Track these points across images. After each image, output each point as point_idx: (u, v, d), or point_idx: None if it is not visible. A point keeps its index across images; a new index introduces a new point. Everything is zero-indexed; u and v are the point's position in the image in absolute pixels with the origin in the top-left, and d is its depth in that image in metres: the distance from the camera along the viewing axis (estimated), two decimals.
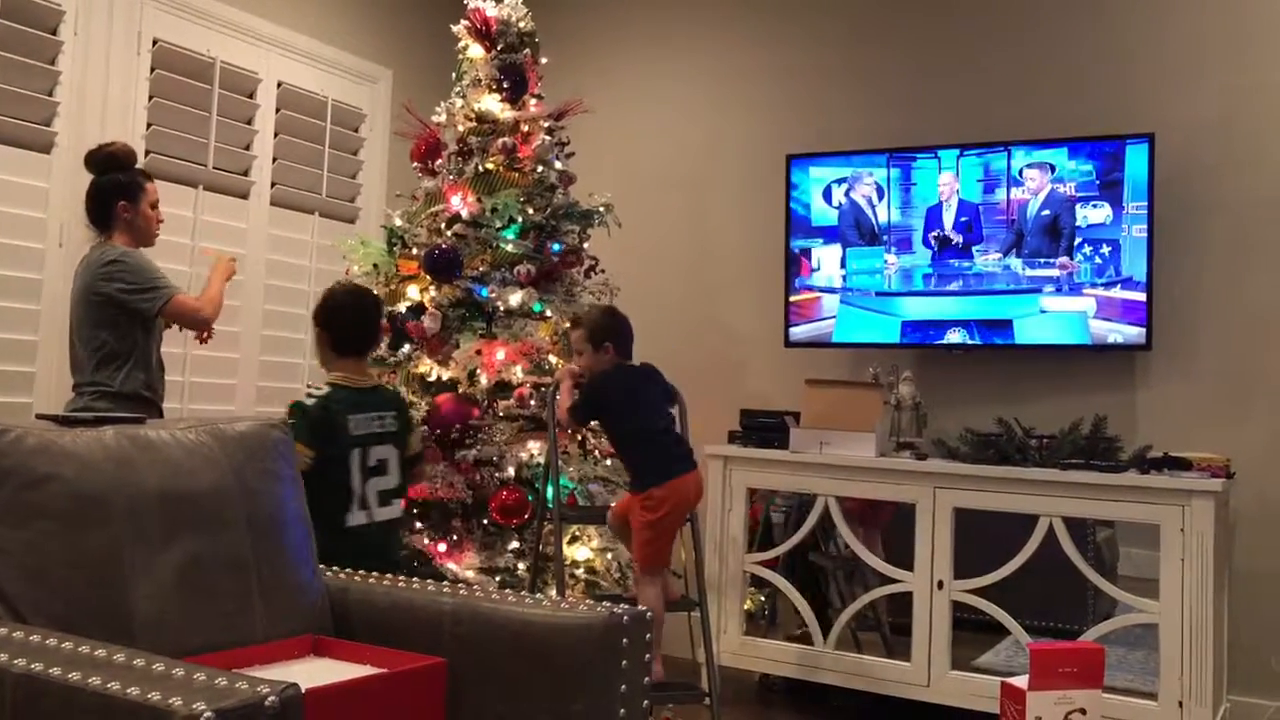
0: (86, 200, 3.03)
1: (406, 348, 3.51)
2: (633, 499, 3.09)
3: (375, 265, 3.63)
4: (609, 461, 3.57)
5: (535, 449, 3.39)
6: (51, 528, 1.73)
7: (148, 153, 3.64)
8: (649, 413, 3.13)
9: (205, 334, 3.17)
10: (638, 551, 3.08)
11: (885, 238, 3.89)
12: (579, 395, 3.15)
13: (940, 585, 3.36)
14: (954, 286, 3.77)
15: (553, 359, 3.51)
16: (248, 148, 4.01)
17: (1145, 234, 3.47)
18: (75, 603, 1.71)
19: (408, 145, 3.89)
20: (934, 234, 3.80)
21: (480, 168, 3.60)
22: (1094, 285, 3.55)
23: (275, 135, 4.12)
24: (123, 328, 2.93)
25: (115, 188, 3.00)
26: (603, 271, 3.80)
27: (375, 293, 2.97)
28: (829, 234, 3.96)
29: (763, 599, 3.87)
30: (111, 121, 3.52)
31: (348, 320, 2.78)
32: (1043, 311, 3.62)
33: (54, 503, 1.74)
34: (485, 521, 3.34)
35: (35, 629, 1.58)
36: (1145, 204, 3.47)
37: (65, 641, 1.49)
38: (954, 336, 3.77)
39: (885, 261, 3.89)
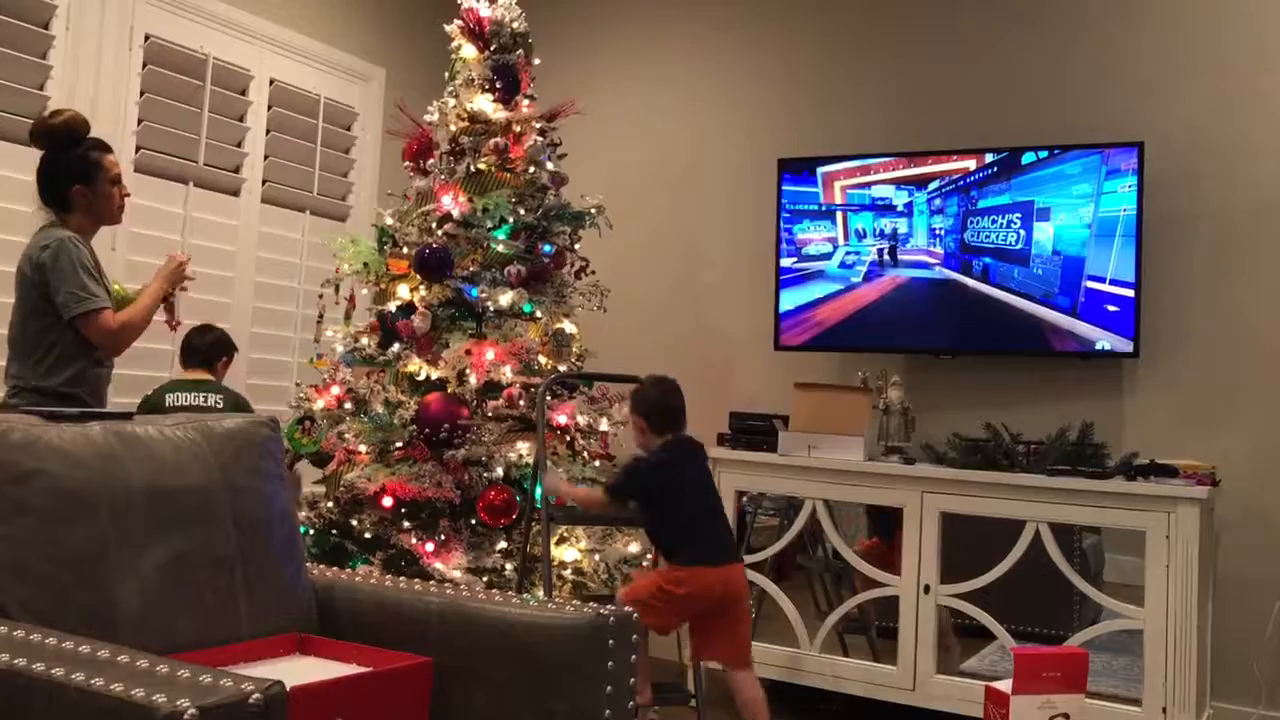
0: (38, 177, 2.78)
1: (396, 347, 3.51)
2: (658, 571, 3.04)
3: (365, 264, 3.63)
4: (598, 463, 3.58)
5: (524, 449, 3.39)
6: (36, 523, 1.72)
7: (138, 149, 3.63)
8: (694, 498, 3.01)
9: (173, 321, 3.04)
10: (640, 606, 2.90)
11: (875, 244, 3.90)
12: (619, 473, 3.09)
13: (927, 590, 3.36)
14: (944, 293, 3.78)
15: (542, 359, 3.51)
16: (239, 145, 4.01)
17: (1133, 241, 3.49)
18: (59, 599, 1.71)
19: (400, 144, 3.89)
20: (920, 240, 3.82)
21: (472, 168, 3.60)
22: (1082, 281, 3.56)
23: (267, 132, 4.11)
24: (51, 316, 2.70)
25: (68, 170, 2.75)
26: (593, 273, 3.81)
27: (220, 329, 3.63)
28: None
29: (750, 602, 3.87)
30: (102, 117, 3.51)
31: (187, 340, 3.55)
32: (1034, 318, 3.63)
33: (39, 498, 1.73)
34: (473, 521, 3.34)
35: (19, 624, 1.57)
36: (1133, 212, 3.49)
37: (49, 637, 1.48)
38: (944, 342, 3.79)
39: (874, 267, 3.90)
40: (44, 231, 2.77)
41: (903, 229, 3.90)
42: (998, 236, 3.73)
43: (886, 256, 3.92)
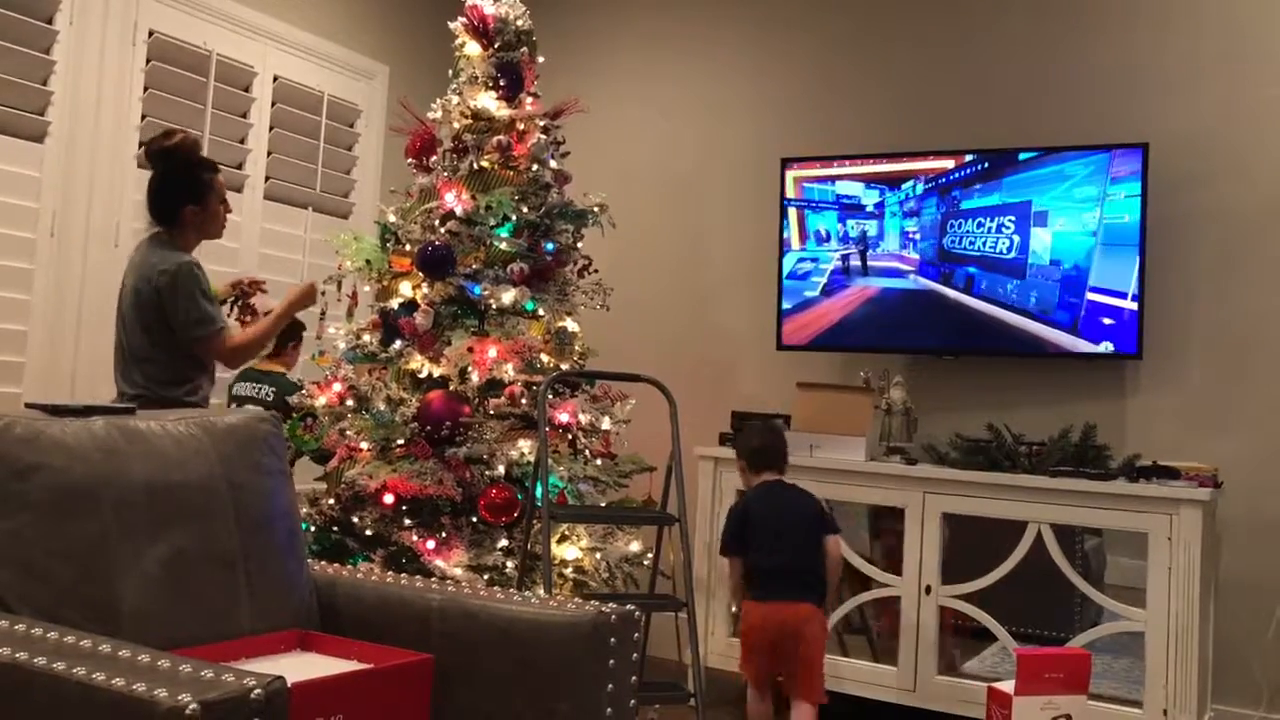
0: (150, 195, 2.89)
1: (398, 344, 3.51)
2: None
3: (368, 261, 3.62)
4: (599, 461, 3.57)
5: (526, 447, 3.38)
6: (38, 518, 1.72)
7: (141, 144, 3.63)
8: (768, 539, 3.15)
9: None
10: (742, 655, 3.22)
11: (839, 250, 3.87)
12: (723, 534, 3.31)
13: (928, 590, 3.36)
14: (923, 306, 3.77)
15: (544, 358, 3.51)
16: (242, 141, 4.00)
17: (1137, 243, 3.48)
18: (61, 593, 1.70)
19: (403, 141, 3.88)
20: (892, 245, 3.81)
21: (475, 165, 3.59)
22: (1084, 293, 3.55)
23: (270, 129, 4.11)
24: (164, 336, 2.84)
25: (183, 191, 2.88)
26: (596, 271, 3.80)
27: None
28: (822, 238, 3.96)
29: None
30: (106, 112, 3.51)
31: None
32: (1028, 334, 3.62)
33: (41, 493, 1.73)
34: (474, 519, 3.34)
35: (21, 618, 1.57)
36: (1138, 213, 3.48)
37: (51, 632, 1.48)
38: (943, 342, 3.78)
39: (838, 276, 3.88)
40: (155, 247, 2.87)
41: (872, 231, 3.77)
42: (985, 243, 3.68)
43: (855, 263, 3.81)
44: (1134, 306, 3.46)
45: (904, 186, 3.73)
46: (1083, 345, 3.52)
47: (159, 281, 2.81)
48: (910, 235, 3.71)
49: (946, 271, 3.67)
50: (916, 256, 3.71)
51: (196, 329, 2.83)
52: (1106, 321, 3.49)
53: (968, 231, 3.67)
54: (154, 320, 2.83)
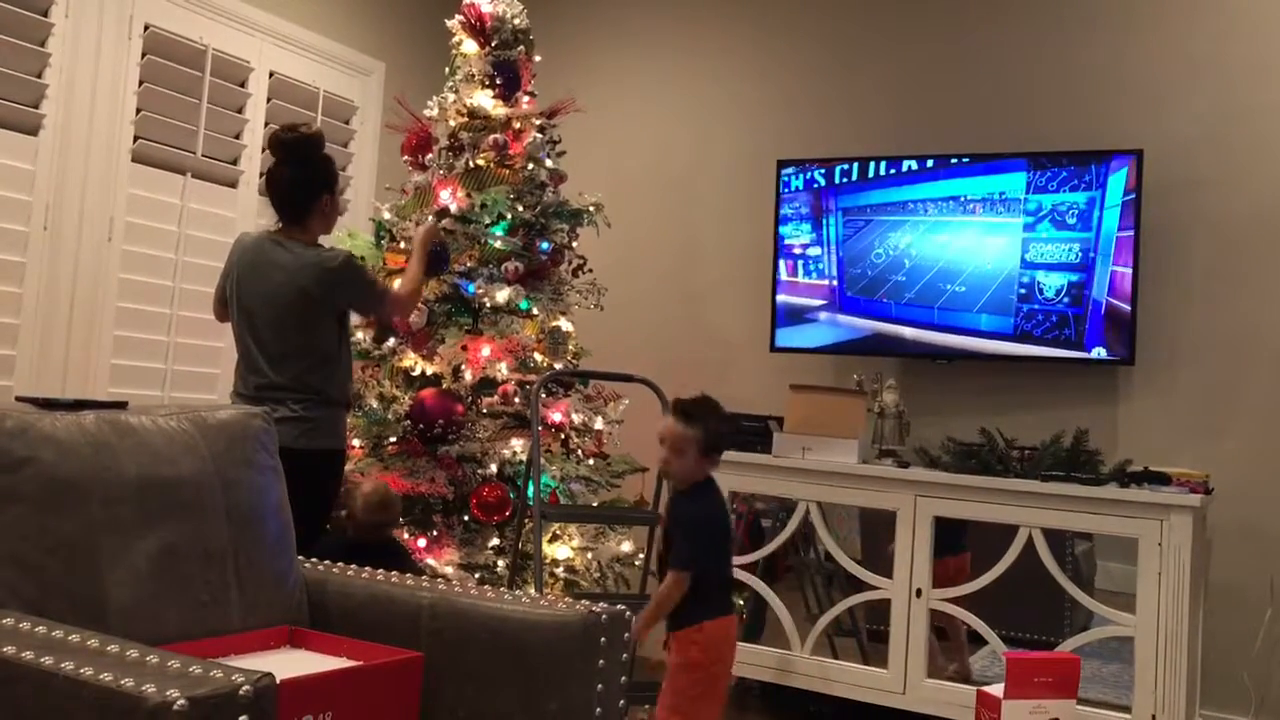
0: (283, 186, 2.84)
1: (391, 341, 3.51)
2: (676, 656, 2.62)
3: (363, 258, 3.62)
4: (591, 461, 3.57)
5: (518, 446, 3.38)
6: (27, 512, 1.71)
7: (136, 138, 3.62)
8: (727, 553, 2.76)
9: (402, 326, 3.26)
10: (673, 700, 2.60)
11: (868, 259, 3.89)
12: (684, 542, 2.61)
13: (919, 593, 3.36)
14: (930, 307, 3.77)
15: (538, 357, 3.51)
16: (238, 136, 3.99)
17: (1130, 249, 3.48)
18: (49, 588, 1.70)
19: (398, 139, 3.89)
20: (913, 256, 3.82)
21: (471, 163, 3.59)
22: (1078, 299, 3.56)
23: (265, 125, 4.09)
24: (330, 331, 2.81)
25: (321, 182, 2.85)
26: (590, 271, 3.81)
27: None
28: (816, 243, 3.96)
29: (741, 603, 3.87)
30: (101, 106, 3.50)
31: None
32: (1026, 325, 3.63)
33: (30, 486, 1.72)
34: (466, 518, 3.34)
35: (9, 613, 1.56)
36: (1131, 219, 3.49)
37: (39, 626, 1.48)
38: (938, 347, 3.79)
39: (868, 277, 3.89)
40: (293, 246, 2.81)
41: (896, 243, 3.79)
42: (957, 259, 3.68)
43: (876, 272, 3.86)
44: (1127, 313, 3.47)
45: (912, 197, 3.71)
46: (1075, 354, 3.52)
47: (344, 275, 2.80)
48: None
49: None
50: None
51: (382, 299, 2.95)
52: (1067, 328, 3.49)
53: (941, 244, 3.67)
54: (327, 314, 2.80)
